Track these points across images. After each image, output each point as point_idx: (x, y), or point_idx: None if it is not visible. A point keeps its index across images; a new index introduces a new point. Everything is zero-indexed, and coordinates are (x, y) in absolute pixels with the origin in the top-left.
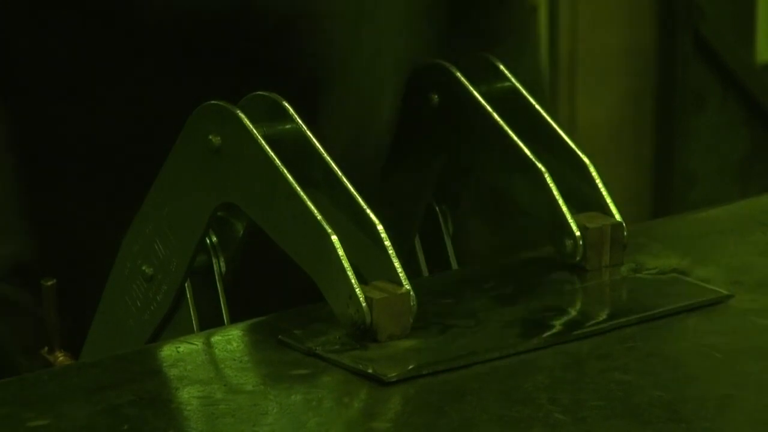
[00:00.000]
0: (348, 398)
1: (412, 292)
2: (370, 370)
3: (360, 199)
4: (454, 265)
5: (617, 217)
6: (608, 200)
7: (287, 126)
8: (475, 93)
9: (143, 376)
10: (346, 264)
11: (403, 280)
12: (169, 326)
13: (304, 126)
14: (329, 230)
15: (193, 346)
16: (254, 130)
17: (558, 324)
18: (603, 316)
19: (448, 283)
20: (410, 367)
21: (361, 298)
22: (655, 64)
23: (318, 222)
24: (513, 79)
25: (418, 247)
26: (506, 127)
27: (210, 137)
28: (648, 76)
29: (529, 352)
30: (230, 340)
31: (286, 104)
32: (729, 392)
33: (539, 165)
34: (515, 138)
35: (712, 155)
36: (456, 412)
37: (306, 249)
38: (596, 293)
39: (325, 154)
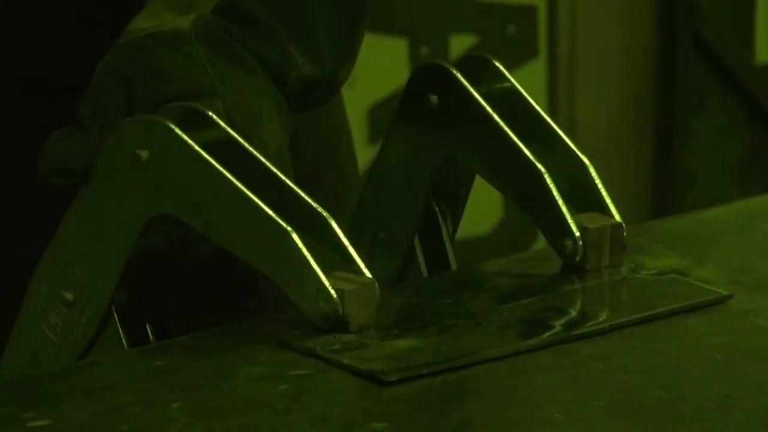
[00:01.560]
0: (347, 398)
1: (376, 282)
2: (369, 370)
3: (305, 195)
4: (454, 265)
5: (617, 217)
6: (608, 201)
7: (214, 132)
8: (475, 93)
9: (143, 376)
10: (309, 258)
11: (364, 270)
12: (96, 348)
13: (231, 130)
14: (287, 227)
15: (193, 346)
16: (188, 139)
17: (558, 324)
18: (603, 316)
19: (448, 283)
20: (410, 367)
21: (330, 290)
22: (655, 64)
23: (273, 220)
24: (512, 80)
25: (418, 247)
26: (506, 128)
27: (137, 151)
28: (648, 76)
29: (529, 352)
30: (230, 340)
31: (209, 112)
32: (729, 392)
33: (539, 165)
34: (515, 138)
35: (712, 155)
36: (455, 412)
37: (262, 249)
38: (596, 293)
39: (260, 156)
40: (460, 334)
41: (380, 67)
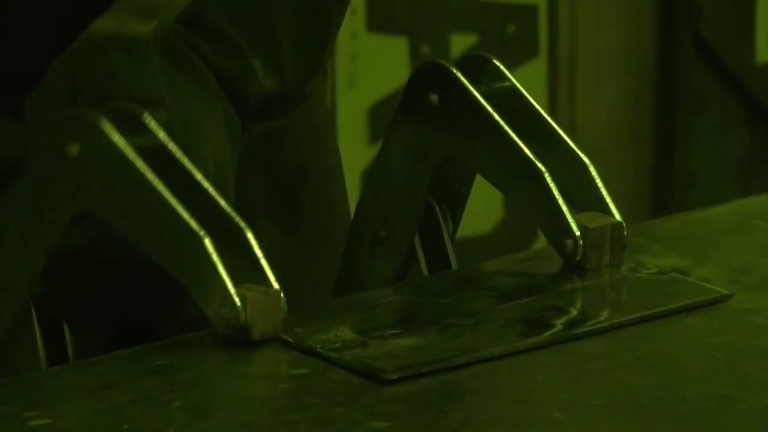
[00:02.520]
0: (348, 397)
1: (281, 293)
2: (370, 369)
3: (227, 206)
4: (454, 265)
5: (617, 216)
6: (608, 200)
7: (146, 137)
8: (475, 93)
9: (143, 376)
10: (218, 263)
11: (272, 282)
12: (13, 347)
13: (164, 137)
14: (200, 232)
15: (193, 346)
16: (116, 137)
17: (558, 323)
18: (603, 315)
19: (448, 282)
20: (410, 365)
21: (235, 297)
22: (655, 64)
23: (187, 224)
24: (513, 79)
25: (418, 247)
26: (506, 127)
27: (66, 146)
28: (648, 76)
29: (529, 352)
30: (230, 339)
31: (146, 115)
32: (729, 392)
33: (539, 165)
34: (515, 138)
35: (712, 155)
36: (456, 412)
37: (175, 253)
38: (596, 293)
39: (188, 163)
40: (461, 333)
41: (380, 67)
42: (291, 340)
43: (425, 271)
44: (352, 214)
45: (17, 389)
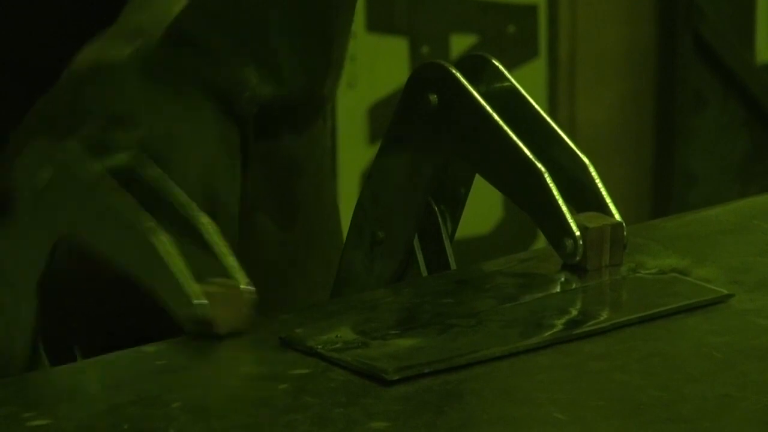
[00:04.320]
0: (348, 398)
1: (250, 286)
2: (371, 369)
3: (192, 206)
4: (453, 265)
5: (617, 217)
6: (608, 200)
7: (116, 159)
8: (475, 93)
9: (143, 376)
10: (173, 263)
11: (240, 278)
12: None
13: (133, 155)
14: (154, 225)
15: (194, 346)
16: (85, 161)
17: (558, 323)
18: (603, 315)
19: (448, 283)
20: (411, 365)
21: (194, 294)
22: (655, 64)
23: (140, 220)
24: (512, 80)
25: (417, 247)
26: (506, 127)
27: (38, 175)
28: (648, 76)
29: (530, 352)
30: (230, 339)
31: (117, 135)
32: (729, 392)
33: (539, 165)
34: (515, 138)
35: (712, 155)
36: (456, 412)
37: (137, 259)
38: (596, 293)
39: (159, 177)
40: (461, 334)
41: (380, 67)
42: (292, 340)
43: (424, 272)
44: (349, 213)
45: (16, 389)
